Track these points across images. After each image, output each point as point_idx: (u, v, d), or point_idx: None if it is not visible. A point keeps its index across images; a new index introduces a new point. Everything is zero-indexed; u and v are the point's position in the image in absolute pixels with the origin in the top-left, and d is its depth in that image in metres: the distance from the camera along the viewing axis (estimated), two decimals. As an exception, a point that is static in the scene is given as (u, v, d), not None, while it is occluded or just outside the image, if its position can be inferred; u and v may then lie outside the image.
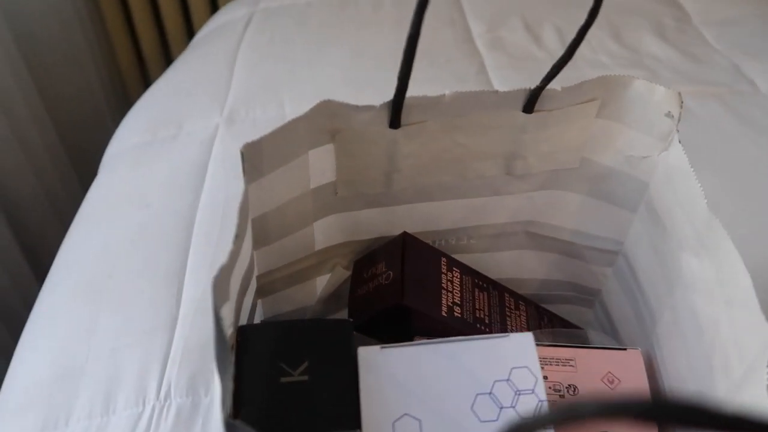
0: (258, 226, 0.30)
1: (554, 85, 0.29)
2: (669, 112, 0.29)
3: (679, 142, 0.29)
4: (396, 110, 0.28)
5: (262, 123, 0.64)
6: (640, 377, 0.31)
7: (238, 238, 0.24)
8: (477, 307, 0.35)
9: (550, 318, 0.39)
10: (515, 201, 0.37)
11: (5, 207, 0.85)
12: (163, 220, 0.53)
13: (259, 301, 0.36)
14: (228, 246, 0.22)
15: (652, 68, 0.69)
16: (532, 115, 0.30)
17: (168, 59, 1.15)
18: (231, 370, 0.20)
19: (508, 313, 0.37)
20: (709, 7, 0.80)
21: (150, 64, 1.15)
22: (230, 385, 0.20)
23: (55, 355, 0.44)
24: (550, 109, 0.30)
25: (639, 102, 0.30)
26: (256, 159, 0.27)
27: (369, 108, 0.28)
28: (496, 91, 0.29)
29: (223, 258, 0.22)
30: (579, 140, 0.33)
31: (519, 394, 0.25)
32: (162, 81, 0.76)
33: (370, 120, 0.29)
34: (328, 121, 0.28)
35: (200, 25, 1.06)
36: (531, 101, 0.29)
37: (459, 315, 0.34)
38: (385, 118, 0.29)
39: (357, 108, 0.28)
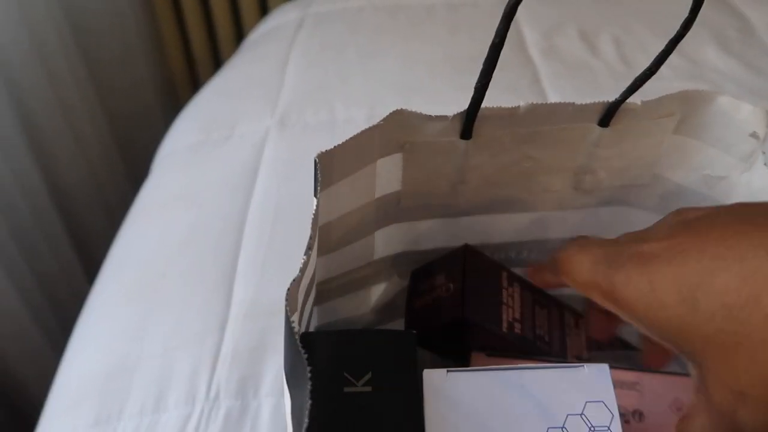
0: (322, 235, 0.30)
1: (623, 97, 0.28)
2: (754, 132, 0.28)
3: (765, 164, 0.27)
4: (470, 121, 0.27)
5: (313, 127, 0.64)
6: (712, 407, 0.30)
7: (310, 249, 0.23)
8: (537, 323, 0.34)
9: (612, 339, 0.38)
10: (579, 215, 0.35)
11: (57, 197, 0.88)
12: (214, 222, 0.53)
13: (315, 309, 0.35)
14: (300, 258, 0.22)
15: (714, 81, 0.67)
16: (608, 129, 0.29)
17: (217, 60, 1.17)
18: (308, 386, 0.19)
19: (567, 332, 0.36)
20: (775, 18, 0.78)
21: (200, 65, 1.17)
22: (307, 401, 0.19)
23: (108, 351, 0.45)
24: (627, 124, 0.29)
25: (721, 119, 0.29)
26: (328, 168, 0.26)
27: (442, 118, 0.28)
28: (573, 104, 0.28)
29: (295, 270, 0.22)
30: (653, 156, 0.32)
31: (594, 431, 0.23)
32: (214, 83, 0.76)
33: (441, 130, 0.28)
34: (399, 130, 0.28)
35: (250, 28, 1.07)
36: (608, 115, 0.28)
37: (519, 332, 0.33)
38: (456, 128, 0.28)
39: (430, 118, 0.27)
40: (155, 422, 0.40)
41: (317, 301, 0.35)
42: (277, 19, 0.88)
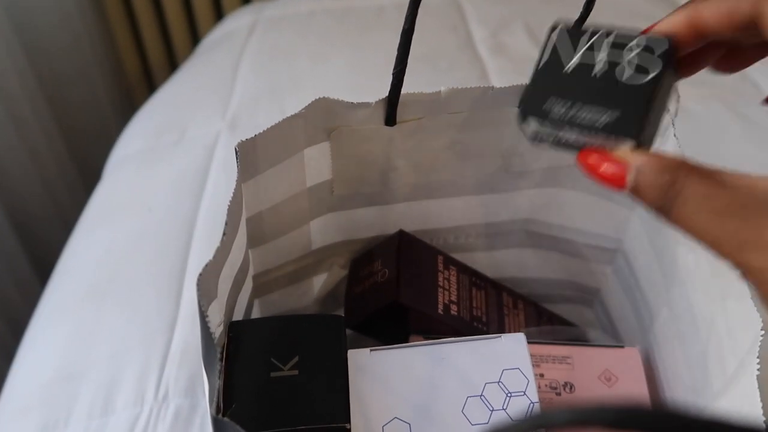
0: (253, 225, 0.30)
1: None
2: (667, 107, 0.29)
3: (675, 136, 0.29)
4: (391, 106, 0.28)
5: (264, 128, 0.64)
6: (637, 375, 0.31)
7: (226, 236, 0.24)
8: (474, 305, 0.35)
9: (550, 317, 0.39)
10: (513, 199, 0.37)
11: (12, 213, 0.86)
12: (164, 224, 0.53)
13: (256, 301, 0.36)
14: (215, 244, 0.22)
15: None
16: (528, 112, 0.30)
17: (174, 68, 1.16)
18: (218, 367, 0.20)
19: (506, 312, 0.37)
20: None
21: (156, 74, 1.16)
22: (217, 382, 0.20)
23: (57, 356, 0.44)
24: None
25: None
26: (252, 157, 0.27)
27: (365, 105, 0.28)
28: (492, 87, 0.29)
29: (209, 256, 0.22)
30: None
31: (510, 396, 0.24)
32: (166, 88, 0.76)
33: (365, 117, 0.29)
34: (324, 118, 0.28)
35: (205, 33, 1.07)
36: (526, 98, 0.29)
37: (455, 313, 0.34)
38: (381, 115, 0.29)
39: (353, 105, 0.28)
40: (103, 425, 0.40)
41: (257, 294, 0.35)
42: (230, 24, 0.88)
